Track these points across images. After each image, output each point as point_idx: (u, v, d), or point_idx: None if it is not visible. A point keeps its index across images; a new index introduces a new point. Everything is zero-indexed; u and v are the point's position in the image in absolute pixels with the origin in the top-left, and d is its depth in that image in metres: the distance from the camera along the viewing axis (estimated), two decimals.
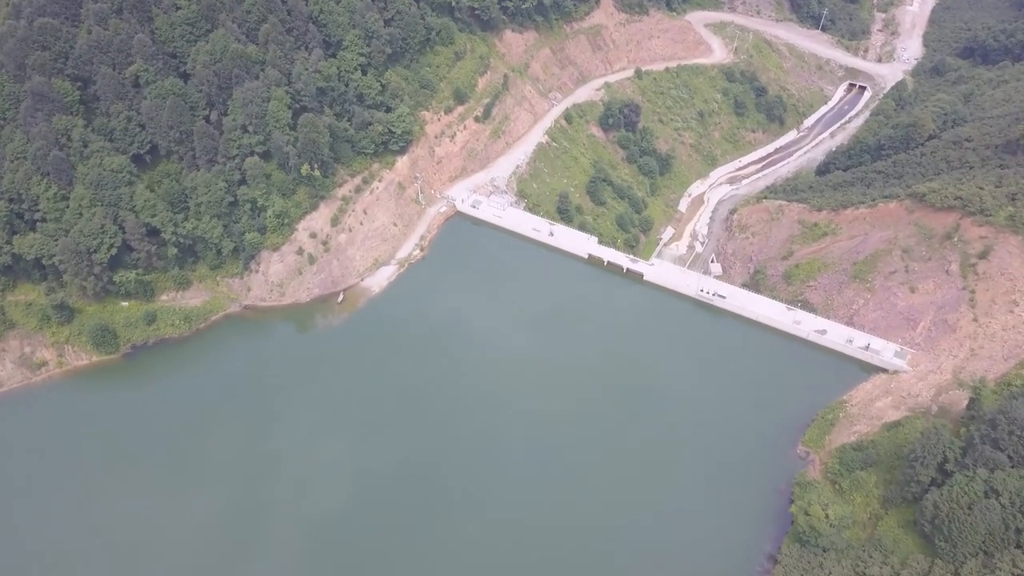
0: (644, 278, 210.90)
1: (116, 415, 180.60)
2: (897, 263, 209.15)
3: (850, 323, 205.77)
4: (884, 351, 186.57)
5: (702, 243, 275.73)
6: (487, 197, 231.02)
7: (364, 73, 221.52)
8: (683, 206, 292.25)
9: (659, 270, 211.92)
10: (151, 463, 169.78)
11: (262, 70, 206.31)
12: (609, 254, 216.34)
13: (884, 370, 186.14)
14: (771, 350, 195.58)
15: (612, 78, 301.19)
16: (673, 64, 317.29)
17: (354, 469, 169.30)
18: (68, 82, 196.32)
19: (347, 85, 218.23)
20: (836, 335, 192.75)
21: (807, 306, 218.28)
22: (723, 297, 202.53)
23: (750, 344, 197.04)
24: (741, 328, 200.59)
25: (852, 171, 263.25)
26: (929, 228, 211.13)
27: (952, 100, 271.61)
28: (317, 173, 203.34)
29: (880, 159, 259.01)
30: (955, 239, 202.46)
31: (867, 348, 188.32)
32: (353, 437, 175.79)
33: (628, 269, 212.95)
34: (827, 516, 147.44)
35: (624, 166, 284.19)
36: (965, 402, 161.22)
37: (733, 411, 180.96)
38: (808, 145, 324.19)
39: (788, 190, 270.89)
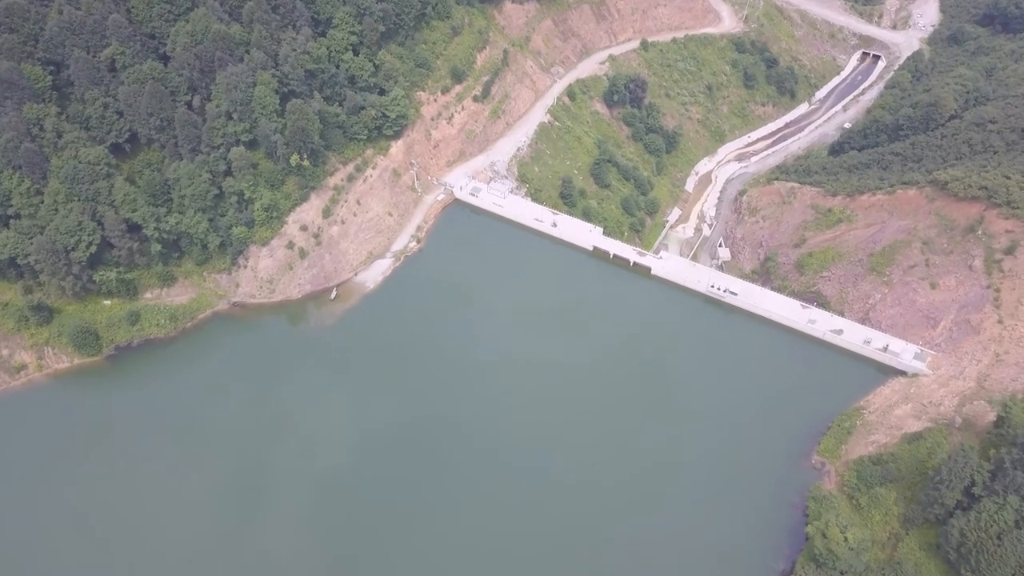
0: (652, 272, 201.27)
1: (100, 419, 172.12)
2: (916, 256, 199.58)
3: (866, 318, 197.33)
4: (903, 353, 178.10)
5: (710, 225, 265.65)
6: (487, 184, 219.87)
7: (356, 53, 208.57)
8: (690, 185, 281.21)
9: (668, 264, 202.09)
10: (138, 469, 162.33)
11: (247, 52, 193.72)
12: (615, 247, 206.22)
13: (903, 372, 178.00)
14: (785, 350, 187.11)
15: (617, 50, 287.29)
16: (680, 34, 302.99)
17: (353, 473, 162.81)
18: (39, 67, 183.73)
19: (338, 67, 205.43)
20: (853, 335, 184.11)
21: (820, 298, 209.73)
22: (735, 294, 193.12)
23: (763, 344, 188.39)
24: (753, 326, 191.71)
25: (868, 152, 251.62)
26: (951, 219, 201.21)
27: (974, 76, 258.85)
28: (307, 163, 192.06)
29: (898, 140, 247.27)
30: (979, 232, 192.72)
31: (885, 349, 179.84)
32: (350, 442, 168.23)
33: (635, 263, 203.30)
34: (846, 539, 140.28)
35: (629, 144, 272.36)
36: (991, 415, 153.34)
37: (744, 415, 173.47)
38: (820, 119, 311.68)
39: (800, 171, 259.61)
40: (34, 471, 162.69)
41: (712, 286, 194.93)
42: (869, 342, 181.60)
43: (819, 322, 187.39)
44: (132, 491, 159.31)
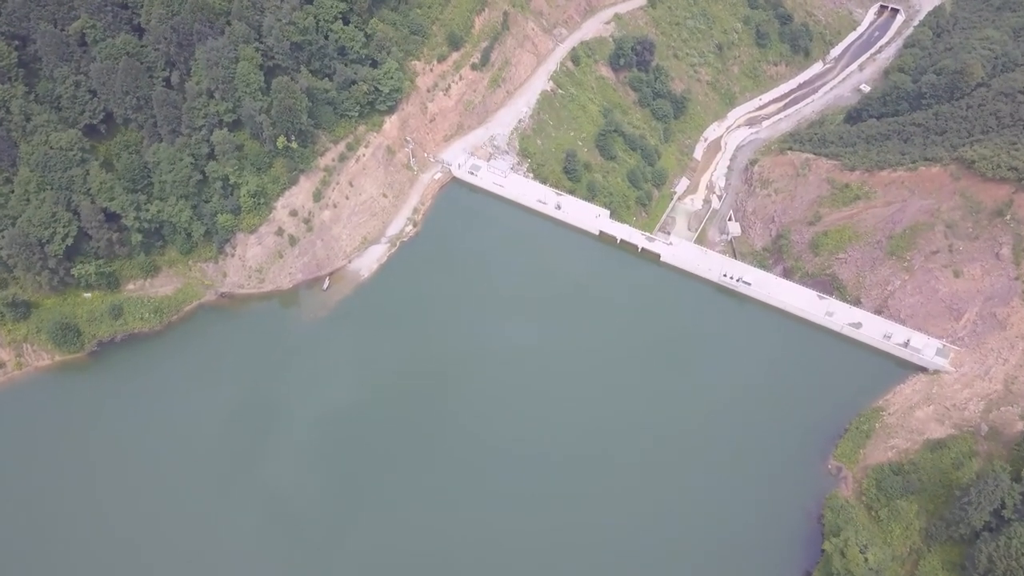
0: (661, 259, 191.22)
1: (84, 418, 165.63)
2: (940, 241, 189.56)
3: (884, 306, 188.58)
4: (925, 349, 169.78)
5: (719, 197, 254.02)
6: (486, 161, 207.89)
7: (346, 22, 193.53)
8: (698, 153, 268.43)
9: (678, 251, 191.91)
10: (123, 468, 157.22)
11: (227, 23, 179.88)
12: (623, 231, 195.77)
13: (923, 369, 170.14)
14: (800, 344, 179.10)
15: (623, 8, 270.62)
16: None
17: (350, 474, 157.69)
18: (2, 42, 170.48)
19: (326, 37, 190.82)
20: (872, 329, 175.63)
21: (836, 282, 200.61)
22: (748, 284, 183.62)
23: (777, 337, 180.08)
24: (767, 318, 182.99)
25: (887, 121, 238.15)
26: (977, 201, 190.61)
27: (1002, 39, 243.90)
28: (294, 145, 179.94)
29: (920, 109, 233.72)
30: (1007, 217, 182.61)
31: (906, 345, 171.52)
32: (346, 440, 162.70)
33: (643, 248, 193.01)
34: (866, 560, 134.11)
35: (636, 110, 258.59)
36: (1020, 425, 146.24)
37: (757, 414, 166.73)
38: (835, 79, 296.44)
39: (815, 140, 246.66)
40: (16, 472, 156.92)
41: (724, 275, 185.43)
42: (889, 336, 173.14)
43: (837, 314, 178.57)
44: (118, 490, 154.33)
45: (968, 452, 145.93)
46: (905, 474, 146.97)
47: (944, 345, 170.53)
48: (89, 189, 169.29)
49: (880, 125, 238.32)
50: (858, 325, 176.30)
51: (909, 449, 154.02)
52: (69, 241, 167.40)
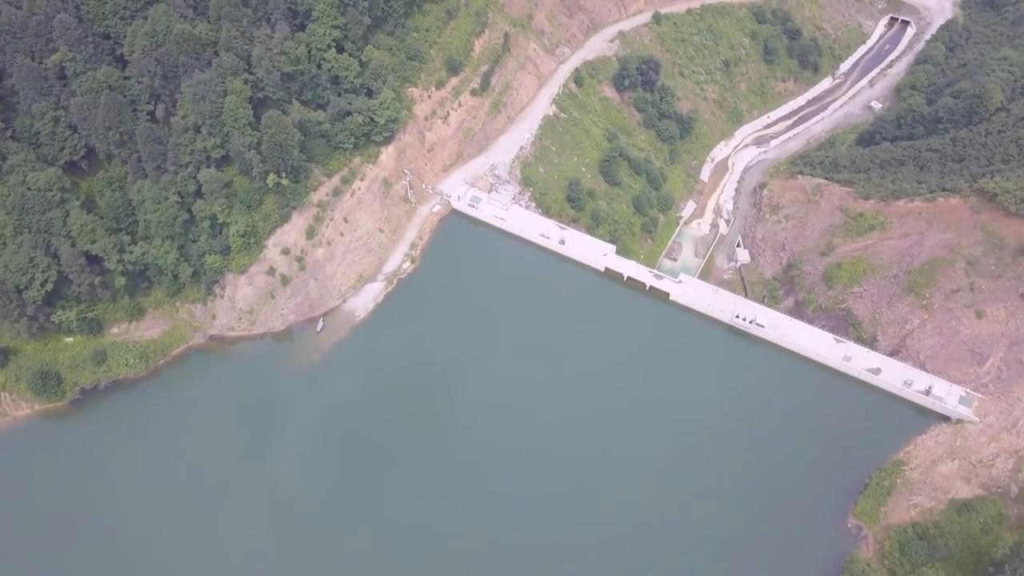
0: (670, 298, 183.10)
1: (65, 471, 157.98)
2: (960, 279, 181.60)
3: (901, 346, 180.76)
4: (948, 397, 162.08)
5: (727, 222, 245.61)
6: (487, 193, 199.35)
7: (340, 50, 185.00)
8: (705, 174, 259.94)
9: (688, 289, 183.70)
10: (106, 523, 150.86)
11: (215, 54, 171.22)
12: (630, 268, 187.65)
13: (946, 417, 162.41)
14: (816, 390, 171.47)
15: (627, 25, 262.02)
16: (696, 4, 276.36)
17: (343, 538, 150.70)
18: None
19: (319, 66, 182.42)
20: (892, 375, 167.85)
21: (850, 317, 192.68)
22: (761, 326, 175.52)
23: (792, 383, 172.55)
24: (782, 362, 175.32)
25: (902, 145, 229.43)
26: (1000, 236, 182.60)
27: (1021, 60, 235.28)
28: (285, 182, 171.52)
29: (936, 133, 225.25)
30: None
31: (928, 392, 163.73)
32: (339, 499, 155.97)
33: (651, 287, 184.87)
34: None
35: (640, 131, 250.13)
36: None
37: (771, 467, 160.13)
38: (844, 96, 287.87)
39: (826, 164, 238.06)
40: None
41: (736, 315, 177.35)
42: (910, 384, 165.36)
43: (855, 359, 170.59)
44: (101, 545, 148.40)
45: (997, 516, 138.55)
46: (931, 539, 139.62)
47: (967, 393, 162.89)
48: (69, 232, 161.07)
49: (895, 149, 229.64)
50: (877, 371, 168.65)
51: (933, 508, 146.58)
52: (48, 287, 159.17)
